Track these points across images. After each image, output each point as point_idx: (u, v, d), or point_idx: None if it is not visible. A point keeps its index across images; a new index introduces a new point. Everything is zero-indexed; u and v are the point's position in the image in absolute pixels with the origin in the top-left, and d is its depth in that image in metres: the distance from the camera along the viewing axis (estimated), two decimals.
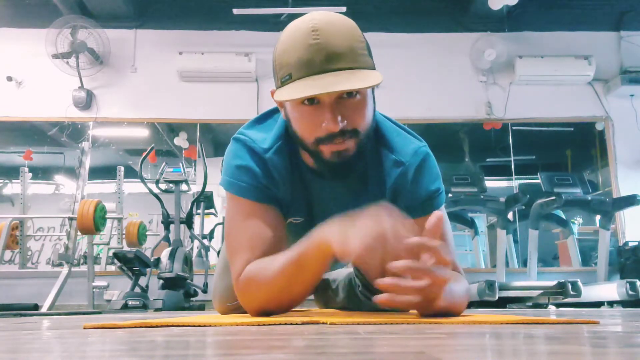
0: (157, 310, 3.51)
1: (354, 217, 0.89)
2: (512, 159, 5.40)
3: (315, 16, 0.98)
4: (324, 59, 0.94)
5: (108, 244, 5.15)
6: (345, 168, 1.04)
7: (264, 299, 1.05)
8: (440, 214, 0.90)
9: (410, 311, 1.16)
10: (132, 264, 3.88)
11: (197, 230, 4.88)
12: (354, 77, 0.94)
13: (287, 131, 1.13)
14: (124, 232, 4.61)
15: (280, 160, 1.12)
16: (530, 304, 3.75)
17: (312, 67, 0.95)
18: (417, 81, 5.25)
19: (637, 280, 3.52)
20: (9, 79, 5.20)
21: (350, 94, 0.98)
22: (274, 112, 1.22)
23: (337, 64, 0.94)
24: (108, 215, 4.04)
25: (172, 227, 4.23)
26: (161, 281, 3.78)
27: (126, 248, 4.45)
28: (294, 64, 0.97)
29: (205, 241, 4.95)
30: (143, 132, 5.54)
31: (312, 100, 0.98)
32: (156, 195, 4.21)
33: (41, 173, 5.70)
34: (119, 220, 4.63)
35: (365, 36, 1.02)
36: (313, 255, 0.96)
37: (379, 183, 1.15)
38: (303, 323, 0.86)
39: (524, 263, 4.71)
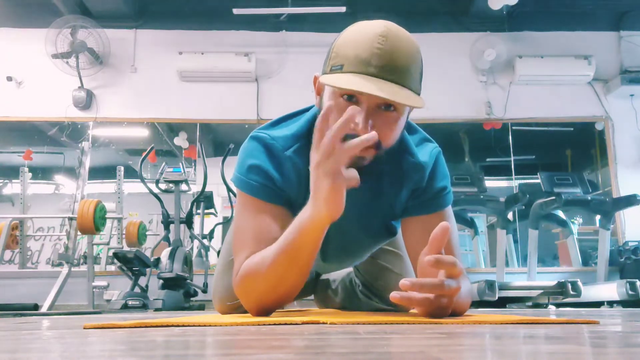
0: (157, 310, 3.50)
1: (314, 185, 0.92)
2: (512, 159, 5.40)
3: (387, 25, 0.98)
4: (380, 65, 0.94)
5: (108, 244, 5.15)
6: (360, 171, 1.05)
7: (261, 290, 1.05)
8: (448, 225, 0.91)
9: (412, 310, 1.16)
10: (132, 264, 3.88)
11: (197, 230, 4.88)
12: (401, 93, 0.94)
13: (310, 128, 1.11)
14: (124, 232, 4.61)
15: (299, 160, 1.11)
16: (530, 304, 3.75)
17: (365, 67, 0.94)
18: None
19: (637, 280, 3.52)
20: (9, 79, 5.19)
21: (388, 107, 0.98)
22: (294, 115, 1.19)
23: (390, 75, 0.94)
24: (108, 215, 4.04)
25: (172, 227, 4.23)
26: (161, 281, 3.78)
27: (126, 248, 4.45)
28: (350, 57, 0.95)
29: (205, 241, 4.94)
30: (143, 132, 5.54)
31: (351, 97, 0.98)
32: (156, 195, 4.21)
33: (41, 173, 5.70)
34: (119, 220, 4.62)
35: (422, 63, 1.02)
36: (305, 236, 0.98)
37: (396, 185, 1.15)
38: (303, 323, 0.86)
39: (524, 263, 4.71)
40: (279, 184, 1.10)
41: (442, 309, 0.91)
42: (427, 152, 1.17)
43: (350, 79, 0.93)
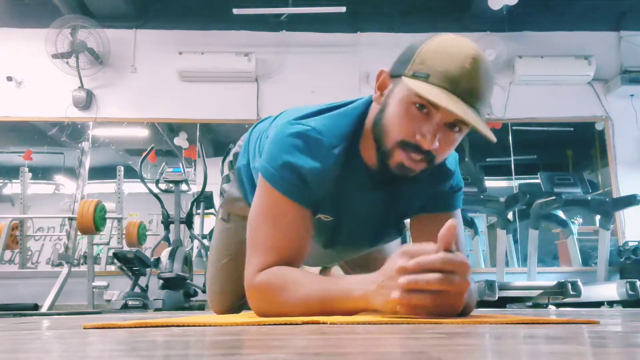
0: (157, 310, 3.51)
1: (384, 283, 0.89)
2: (512, 159, 5.40)
3: (477, 48, 0.98)
4: (466, 87, 0.95)
5: (108, 244, 5.15)
6: (402, 178, 1.06)
7: (276, 310, 1.03)
8: (456, 222, 0.90)
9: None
10: (132, 264, 3.88)
11: (197, 230, 4.88)
12: (479, 119, 0.97)
13: (356, 128, 1.08)
14: (124, 232, 4.61)
15: (342, 160, 1.07)
16: (530, 304, 3.75)
17: (452, 86, 0.94)
18: None
19: (637, 280, 3.52)
20: (9, 79, 5.19)
21: (453, 126, 0.99)
22: (339, 106, 1.13)
23: (471, 99, 0.95)
24: (108, 215, 4.04)
25: (172, 227, 4.23)
26: (161, 281, 3.78)
27: (126, 248, 4.45)
28: (439, 70, 0.95)
29: (205, 241, 4.94)
30: (143, 132, 5.54)
31: (422, 107, 0.97)
32: (156, 195, 4.21)
33: (41, 173, 5.70)
34: (119, 220, 4.62)
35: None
36: (344, 305, 0.96)
37: (422, 188, 1.16)
38: (303, 323, 0.86)
39: (524, 263, 4.71)
40: (312, 184, 1.05)
41: (453, 307, 0.89)
42: (452, 157, 1.19)
43: (438, 93, 0.93)
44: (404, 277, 0.84)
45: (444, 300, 0.86)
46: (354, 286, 0.95)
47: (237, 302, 1.55)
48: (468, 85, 0.94)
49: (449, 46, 0.97)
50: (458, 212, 1.21)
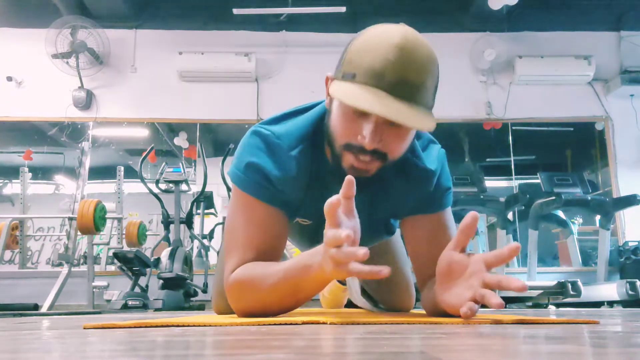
0: (157, 310, 3.51)
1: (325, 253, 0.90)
2: (512, 159, 5.40)
3: (405, 34, 0.93)
4: (393, 81, 0.90)
5: (108, 244, 5.15)
6: (375, 180, 1.03)
7: (252, 306, 1.05)
8: (477, 214, 0.91)
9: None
10: (132, 264, 3.88)
11: (197, 230, 4.88)
12: (413, 113, 0.91)
13: (315, 130, 1.08)
14: (124, 232, 4.61)
15: (303, 161, 1.08)
16: (530, 304, 3.75)
17: (378, 81, 0.91)
18: None
19: (637, 280, 3.53)
20: (9, 79, 5.20)
21: (393, 122, 0.95)
22: (298, 112, 1.15)
23: (403, 92, 0.91)
24: (108, 215, 4.04)
25: (172, 227, 4.23)
26: (161, 281, 3.78)
27: (126, 248, 4.45)
28: (364, 67, 0.92)
29: (205, 241, 4.95)
30: (143, 132, 5.54)
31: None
32: (156, 195, 4.21)
33: (41, 173, 5.70)
34: (119, 220, 4.62)
35: (439, 73, 0.99)
36: (309, 281, 0.96)
37: (403, 191, 1.13)
38: (303, 323, 0.86)
39: (524, 263, 4.71)
40: (278, 185, 1.07)
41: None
42: (434, 156, 1.15)
43: (361, 94, 0.90)
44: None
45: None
46: (308, 261, 0.95)
47: None
48: (394, 77, 0.90)
49: (373, 39, 0.93)
50: (448, 210, 1.19)
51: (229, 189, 4.28)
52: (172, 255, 3.83)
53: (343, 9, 5.00)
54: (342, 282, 1.75)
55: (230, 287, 1.07)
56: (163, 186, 4.31)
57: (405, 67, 0.91)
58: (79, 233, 3.92)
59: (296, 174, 1.08)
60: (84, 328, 0.86)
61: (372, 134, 0.93)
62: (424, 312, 1.29)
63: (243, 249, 1.07)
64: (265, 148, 1.07)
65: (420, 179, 1.13)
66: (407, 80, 0.91)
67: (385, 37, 0.92)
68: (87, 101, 5.17)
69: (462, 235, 0.93)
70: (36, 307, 3.69)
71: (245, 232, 1.08)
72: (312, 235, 1.22)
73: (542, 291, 3.54)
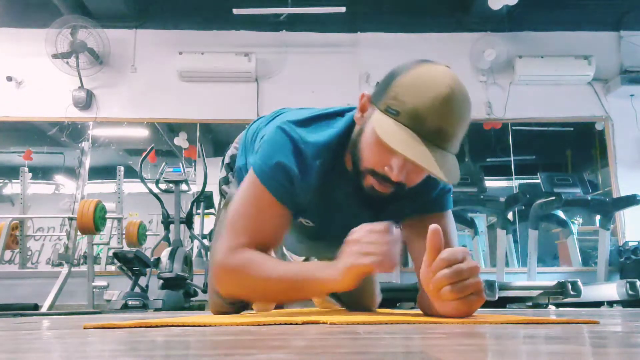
0: (157, 310, 3.51)
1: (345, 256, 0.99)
2: (512, 159, 5.40)
3: (453, 83, 0.98)
4: (434, 129, 0.96)
5: (108, 244, 5.15)
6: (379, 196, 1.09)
7: (244, 290, 1.11)
8: (437, 227, 0.95)
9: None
10: (132, 264, 3.88)
11: (197, 230, 4.88)
12: (444, 161, 0.96)
13: (340, 141, 1.12)
14: (124, 232, 4.61)
15: (323, 171, 1.12)
16: (530, 304, 3.75)
17: (419, 126, 0.96)
18: None
19: (637, 280, 3.52)
20: (9, 79, 5.19)
21: None
22: (327, 116, 1.17)
23: (438, 140, 0.96)
24: (108, 215, 4.04)
25: (172, 227, 4.23)
26: (161, 281, 3.78)
27: (126, 248, 4.45)
28: (408, 107, 0.96)
29: (205, 241, 4.94)
30: (143, 132, 5.54)
31: None
32: (156, 195, 4.21)
33: (41, 173, 5.69)
34: (119, 220, 4.62)
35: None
36: (315, 285, 1.04)
37: (407, 196, 1.14)
38: (303, 323, 0.86)
39: (524, 263, 4.71)
40: (297, 188, 1.11)
41: (473, 305, 0.95)
42: None
43: (400, 135, 0.95)
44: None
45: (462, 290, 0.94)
46: (322, 267, 1.03)
47: (238, 304, 1.55)
48: (435, 125, 0.95)
49: (421, 82, 0.98)
50: (448, 212, 1.22)
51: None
52: (172, 255, 3.83)
53: (343, 9, 5.00)
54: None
55: (229, 268, 1.10)
56: (163, 186, 4.31)
57: (446, 119, 0.96)
58: (79, 233, 3.92)
59: (315, 183, 1.12)
60: (84, 328, 0.86)
61: (399, 169, 0.99)
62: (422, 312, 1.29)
63: (247, 234, 1.10)
64: (293, 150, 1.11)
65: (425, 186, 1.15)
66: (445, 131, 0.97)
67: (433, 83, 0.96)
68: (87, 101, 5.17)
69: (430, 254, 0.96)
70: (36, 307, 3.69)
71: (251, 220, 1.11)
72: (311, 236, 1.24)
73: (542, 291, 3.54)
